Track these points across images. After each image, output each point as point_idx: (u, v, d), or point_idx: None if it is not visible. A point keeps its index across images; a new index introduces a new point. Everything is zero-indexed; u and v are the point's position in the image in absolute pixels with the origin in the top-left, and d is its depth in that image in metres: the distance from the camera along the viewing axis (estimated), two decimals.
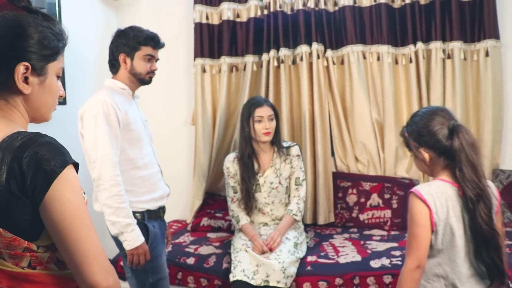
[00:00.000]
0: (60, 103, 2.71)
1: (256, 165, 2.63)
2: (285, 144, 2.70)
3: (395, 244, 2.57)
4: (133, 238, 1.90)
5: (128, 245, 1.90)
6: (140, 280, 2.04)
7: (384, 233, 2.81)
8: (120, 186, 1.90)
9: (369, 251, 2.51)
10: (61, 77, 2.67)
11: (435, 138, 1.52)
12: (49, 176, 0.91)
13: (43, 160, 0.91)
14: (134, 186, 2.01)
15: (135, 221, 1.93)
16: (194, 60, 3.24)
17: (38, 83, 1.02)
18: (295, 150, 2.68)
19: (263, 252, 2.40)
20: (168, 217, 3.38)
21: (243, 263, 2.37)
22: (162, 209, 2.18)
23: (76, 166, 0.99)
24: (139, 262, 1.93)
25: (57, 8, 2.67)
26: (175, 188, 3.46)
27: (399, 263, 2.33)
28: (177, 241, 2.89)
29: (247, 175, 2.59)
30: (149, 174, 2.09)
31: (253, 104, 2.58)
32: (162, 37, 3.37)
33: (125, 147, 1.99)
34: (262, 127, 2.55)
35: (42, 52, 1.01)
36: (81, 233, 0.95)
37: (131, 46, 2.04)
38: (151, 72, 2.12)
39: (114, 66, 2.09)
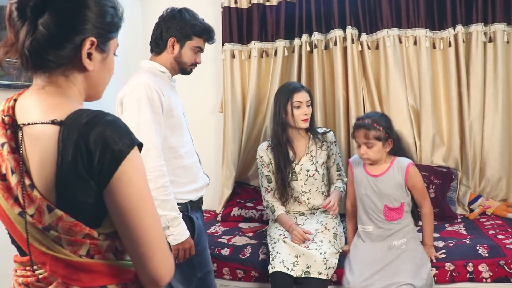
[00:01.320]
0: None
1: (291, 153, 2.55)
2: (319, 131, 2.63)
3: (436, 235, 2.49)
4: (180, 232, 1.81)
5: (174, 240, 1.81)
6: (186, 275, 1.94)
7: None
8: (166, 177, 1.80)
9: None
10: None
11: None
12: (118, 156, 0.86)
13: (111, 139, 0.86)
14: (176, 176, 1.90)
15: (181, 214, 1.84)
16: (223, 45, 3.15)
17: (100, 60, 0.98)
18: (331, 136, 2.61)
19: (303, 241, 2.34)
20: (205, 203, 3.37)
21: (282, 254, 2.31)
22: (201, 200, 2.09)
23: (140, 147, 0.94)
24: (183, 257, 1.85)
25: None
26: None
27: (443, 255, 2.26)
28: (208, 231, 2.82)
29: (283, 163, 2.52)
30: (191, 163, 1.99)
31: (291, 89, 2.49)
32: None
33: (167, 135, 1.88)
34: (301, 113, 2.47)
35: (106, 27, 0.96)
36: (145, 220, 0.90)
37: (185, 33, 1.92)
38: (194, 64, 2.02)
39: (158, 46, 1.95)
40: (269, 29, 3.12)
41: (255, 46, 3.12)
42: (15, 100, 0.96)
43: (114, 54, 1.05)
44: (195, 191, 1.99)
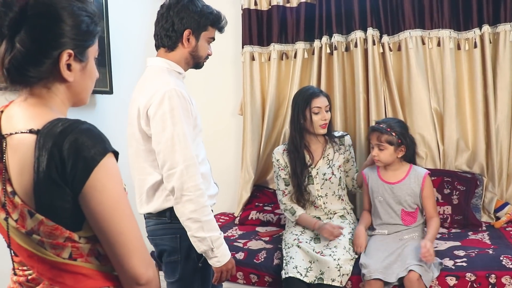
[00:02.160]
0: (106, 92, 2.67)
1: (307, 157, 2.51)
2: (336, 134, 2.59)
3: (457, 243, 2.40)
4: (223, 253, 1.68)
5: (218, 262, 1.67)
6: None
7: (445, 230, 2.63)
8: (206, 196, 1.65)
9: None
10: (106, 65, 2.64)
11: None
12: (89, 163, 0.89)
13: (84, 147, 0.88)
14: None
15: (222, 233, 1.71)
16: (242, 47, 3.14)
17: (80, 69, 1.00)
18: (349, 140, 2.59)
19: (337, 236, 2.31)
20: (215, 210, 3.35)
21: (296, 259, 2.27)
22: (212, 210, 1.94)
23: (116, 154, 0.95)
24: (226, 278, 1.73)
25: None
26: (223, 180, 3.39)
27: (464, 264, 2.17)
28: (225, 234, 2.79)
29: (299, 169, 2.47)
30: (206, 170, 1.84)
31: (310, 94, 2.45)
32: None
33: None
34: (320, 119, 2.43)
35: (82, 37, 0.98)
36: (121, 224, 0.94)
37: (202, 24, 1.75)
38: (207, 57, 1.88)
39: (170, 39, 1.74)
40: (289, 31, 3.09)
41: (275, 48, 3.09)
42: (1, 112, 1.00)
43: (95, 58, 1.07)
44: (210, 197, 1.84)
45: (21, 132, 0.91)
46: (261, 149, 3.15)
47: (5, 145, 0.93)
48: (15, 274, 1.01)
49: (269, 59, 3.14)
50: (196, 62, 1.83)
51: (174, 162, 1.60)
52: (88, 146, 0.89)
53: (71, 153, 0.87)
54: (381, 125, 2.32)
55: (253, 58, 3.13)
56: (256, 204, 3.14)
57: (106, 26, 2.66)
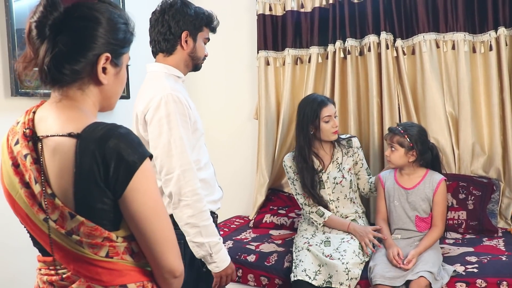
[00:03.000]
0: (123, 97, 2.74)
1: (317, 163, 2.52)
2: (343, 137, 2.60)
3: (470, 249, 2.37)
4: (222, 259, 1.68)
5: (216, 268, 1.68)
6: None
7: (459, 236, 2.60)
8: (204, 201, 1.65)
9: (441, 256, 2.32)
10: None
11: None
12: (131, 167, 0.93)
13: (125, 151, 0.93)
14: None
15: (221, 238, 1.71)
16: (258, 52, 3.18)
17: (114, 74, 1.05)
18: (356, 142, 2.60)
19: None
20: (231, 213, 3.41)
21: (305, 262, 2.29)
22: (217, 215, 1.95)
23: (151, 158, 1.00)
24: (225, 284, 1.74)
25: (120, 2, 2.70)
26: (238, 183, 3.46)
27: (475, 270, 2.14)
28: (238, 237, 2.85)
29: (308, 178, 2.48)
30: (209, 175, 1.85)
31: (318, 103, 2.46)
32: (225, 30, 3.37)
33: (192, 148, 1.74)
34: (331, 126, 2.45)
35: (119, 43, 1.02)
36: (160, 223, 0.99)
37: (197, 24, 1.78)
38: (204, 58, 1.88)
39: (168, 42, 1.75)
40: (303, 36, 3.11)
41: (289, 53, 3.12)
42: (34, 113, 1.04)
43: (127, 67, 1.12)
44: (214, 202, 1.85)
45: (60, 135, 0.95)
46: (276, 153, 3.18)
47: (41, 147, 0.97)
48: (45, 273, 1.03)
49: (283, 64, 3.17)
50: (195, 63, 1.85)
51: (171, 167, 1.62)
52: (129, 150, 0.93)
53: (113, 157, 0.91)
54: (397, 126, 2.35)
55: (268, 63, 3.17)
56: (271, 207, 3.16)
57: None
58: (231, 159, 3.48)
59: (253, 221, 3.11)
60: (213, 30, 1.90)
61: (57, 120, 0.99)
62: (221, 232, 2.92)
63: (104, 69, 1.01)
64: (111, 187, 0.93)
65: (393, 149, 2.31)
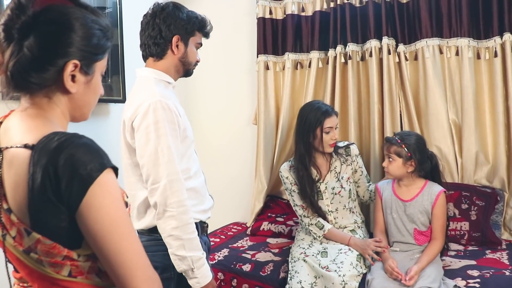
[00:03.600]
0: (119, 101, 2.69)
1: (315, 172, 2.45)
2: (341, 144, 2.52)
3: (472, 262, 2.29)
4: (204, 274, 1.62)
5: (197, 284, 1.61)
6: None
7: (461, 248, 2.51)
8: (190, 213, 1.60)
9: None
10: (119, 74, 2.66)
11: None
12: (85, 181, 0.85)
13: (79, 163, 0.84)
14: None
15: (205, 253, 1.65)
16: (257, 56, 3.12)
17: (84, 82, 0.98)
18: (355, 149, 2.52)
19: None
20: (228, 219, 3.35)
21: (301, 273, 2.22)
22: (207, 224, 1.89)
23: (115, 170, 0.92)
24: None
25: (117, 5, 2.66)
26: (236, 189, 3.40)
27: (477, 286, 2.06)
28: (235, 245, 2.79)
29: (309, 186, 2.41)
30: (200, 184, 1.79)
31: (322, 113, 2.38)
32: (224, 33, 3.32)
33: (180, 157, 1.68)
34: (330, 138, 2.38)
35: (91, 50, 0.96)
36: (121, 243, 0.89)
37: (189, 29, 1.73)
38: (196, 64, 1.83)
39: (159, 47, 1.71)
40: (304, 40, 3.05)
41: (289, 57, 3.06)
42: (1, 123, 0.98)
43: (102, 75, 1.05)
44: (203, 212, 1.80)
45: (16, 147, 0.89)
46: (275, 159, 3.12)
47: (1, 159, 0.91)
48: None
49: (283, 69, 3.12)
50: (186, 69, 1.80)
51: (157, 176, 1.57)
52: (84, 162, 0.85)
53: (66, 170, 0.84)
54: (394, 136, 2.27)
55: (267, 67, 3.11)
56: (269, 214, 3.10)
57: (121, 35, 2.69)
58: (229, 164, 3.42)
59: (250, 228, 3.05)
60: (206, 35, 1.84)
61: (19, 131, 0.93)
62: (217, 240, 2.88)
63: (73, 77, 0.95)
64: (64, 202, 0.85)
65: (390, 159, 2.24)
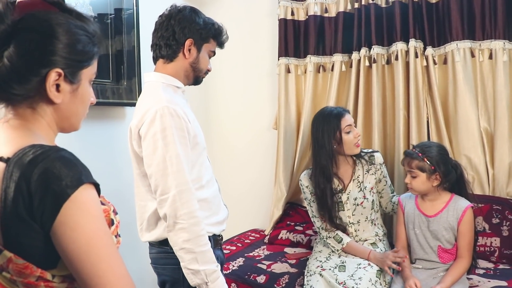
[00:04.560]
0: (131, 105, 2.63)
1: (336, 182, 2.33)
2: (365, 151, 2.39)
3: (503, 283, 2.11)
4: None
5: None
6: None
7: (490, 265, 2.35)
8: (202, 224, 1.53)
9: None
10: (136, 76, 2.61)
11: None
12: (59, 197, 0.80)
13: (54, 178, 0.79)
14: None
15: (219, 266, 1.59)
16: (278, 59, 3.02)
17: (70, 91, 0.93)
18: (379, 157, 2.39)
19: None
20: (247, 226, 3.26)
21: None
22: (221, 236, 1.82)
23: (97, 186, 0.86)
24: None
25: (134, 7, 2.60)
26: (255, 195, 3.31)
27: None
28: (251, 254, 2.70)
29: (330, 200, 2.29)
30: (212, 193, 1.72)
31: (335, 116, 2.28)
32: (245, 35, 3.23)
33: (190, 166, 1.61)
34: (354, 136, 2.27)
35: (76, 57, 0.91)
36: (99, 265, 0.83)
37: (204, 35, 1.68)
38: (207, 72, 1.78)
39: (170, 48, 1.66)
40: (326, 42, 2.92)
41: (311, 60, 2.94)
42: None
43: (91, 82, 0.99)
44: (218, 224, 1.73)
45: None
46: (295, 165, 3.01)
47: None
48: None
49: (305, 72, 3.00)
50: (196, 75, 1.74)
51: (166, 187, 1.51)
52: (59, 177, 0.79)
53: (39, 186, 0.78)
54: (413, 149, 2.12)
55: (288, 71, 3.00)
56: (288, 223, 3.00)
57: (137, 38, 2.64)
58: (248, 169, 3.34)
59: (268, 236, 2.95)
60: (221, 44, 1.79)
61: None
62: (234, 248, 2.79)
63: (57, 86, 0.89)
64: (37, 220, 0.80)
65: (413, 175, 2.08)
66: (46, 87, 0.88)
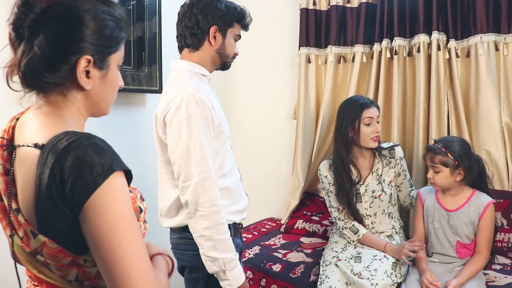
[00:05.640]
0: (155, 92, 2.65)
1: (355, 173, 2.33)
2: (385, 145, 2.38)
3: None
4: (236, 277, 1.56)
5: (229, 286, 1.56)
6: None
7: (508, 261, 2.33)
8: (222, 212, 1.54)
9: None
10: (157, 63, 2.62)
11: None
12: (89, 185, 0.79)
13: (86, 166, 0.79)
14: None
15: (237, 255, 1.61)
16: (299, 49, 3.01)
17: (99, 77, 0.94)
18: (400, 152, 2.37)
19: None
20: (263, 214, 3.28)
21: (331, 279, 2.13)
22: (242, 225, 1.85)
23: (127, 173, 0.87)
24: None
25: None
26: (273, 184, 3.33)
27: None
28: (267, 242, 2.73)
29: (348, 184, 2.30)
30: (234, 182, 1.73)
31: (360, 104, 2.27)
32: (266, 24, 3.23)
33: (214, 154, 1.62)
34: (372, 131, 2.26)
35: (104, 43, 0.92)
36: (119, 251, 0.81)
37: (227, 20, 1.68)
38: (234, 57, 1.77)
39: (195, 37, 1.66)
40: (348, 33, 2.91)
41: (332, 51, 2.93)
42: (17, 119, 0.96)
43: (120, 67, 1.01)
44: (238, 212, 1.75)
45: (27, 146, 0.86)
46: (313, 156, 3.01)
47: (14, 156, 0.89)
48: (28, 287, 0.97)
49: (325, 62, 2.99)
50: (223, 61, 1.75)
51: (188, 174, 1.53)
52: (91, 164, 0.80)
53: (72, 172, 0.79)
54: (436, 144, 2.09)
55: (309, 61, 3.00)
56: (304, 212, 3.01)
57: (159, 24, 2.65)
58: (267, 158, 3.35)
59: (284, 225, 2.97)
60: (245, 27, 1.78)
61: (31, 129, 0.90)
62: (250, 236, 2.82)
63: (87, 73, 0.91)
64: (68, 205, 0.81)
65: (436, 170, 2.06)
66: (77, 74, 0.89)
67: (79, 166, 0.79)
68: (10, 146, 0.91)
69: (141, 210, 1.02)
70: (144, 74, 2.57)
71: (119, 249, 0.81)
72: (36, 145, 0.84)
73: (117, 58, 0.98)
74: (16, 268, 0.91)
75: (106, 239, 0.80)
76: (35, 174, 0.82)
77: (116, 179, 0.83)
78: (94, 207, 0.80)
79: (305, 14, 2.96)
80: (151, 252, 1.05)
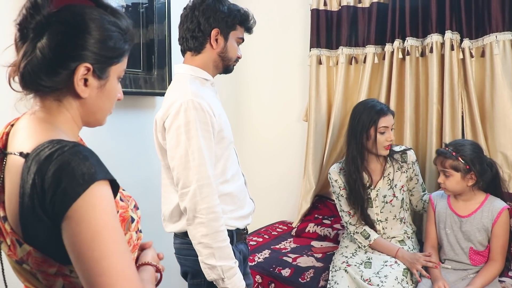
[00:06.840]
0: (162, 95, 2.65)
1: (366, 177, 2.29)
2: (397, 149, 2.32)
3: None
4: (235, 285, 1.54)
5: None
6: None
7: None
8: (221, 219, 1.53)
9: None
10: (167, 66, 2.62)
11: None
12: (70, 195, 0.77)
13: (66, 175, 0.77)
14: (222, 203, 1.62)
15: (237, 262, 1.58)
16: (310, 50, 2.97)
17: (97, 87, 0.93)
18: (412, 155, 2.31)
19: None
20: (275, 217, 3.26)
21: (340, 285, 2.10)
22: (247, 230, 1.82)
23: (112, 182, 0.84)
24: None
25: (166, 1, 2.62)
26: (284, 186, 3.30)
27: None
28: (277, 246, 2.70)
29: (360, 190, 2.25)
30: (238, 188, 1.71)
31: (377, 111, 2.20)
32: (276, 26, 3.20)
33: (215, 160, 1.60)
34: (385, 139, 2.20)
35: (106, 53, 0.91)
36: (102, 262, 0.77)
37: (230, 22, 1.66)
38: (237, 60, 1.75)
39: (197, 40, 1.64)
40: (359, 34, 2.85)
41: (343, 52, 2.88)
42: (12, 126, 0.96)
43: (120, 79, 1.00)
44: (242, 218, 1.72)
45: (14, 154, 0.86)
46: (325, 158, 2.97)
47: (5, 164, 0.88)
48: None
49: (337, 63, 2.95)
50: (226, 65, 1.72)
51: (187, 180, 1.52)
52: (72, 174, 0.78)
53: (53, 183, 0.77)
54: (446, 148, 2.04)
55: (320, 62, 2.96)
56: (316, 216, 2.98)
57: (168, 28, 2.65)
58: (278, 161, 3.32)
59: (295, 229, 2.94)
60: (249, 30, 1.76)
61: (21, 136, 0.89)
62: (260, 239, 2.80)
63: (85, 81, 0.91)
64: (49, 216, 0.78)
65: (447, 175, 2.00)
66: (74, 81, 0.89)
67: (59, 175, 0.77)
68: (2, 154, 0.90)
69: (133, 220, 1.00)
70: (154, 77, 2.57)
71: (101, 259, 0.78)
72: (21, 154, 0.84)
73: (118, 69, 0.97)
74: (3, 276, 0.90)
75: (89, 249, 0.77)
76: (19, 183, 0.82)
77: (99, 188, 0.80)
78: (75, 217, 0.77)
79: (316, 15, 2.92)
80: (142, 261, 1.04)
